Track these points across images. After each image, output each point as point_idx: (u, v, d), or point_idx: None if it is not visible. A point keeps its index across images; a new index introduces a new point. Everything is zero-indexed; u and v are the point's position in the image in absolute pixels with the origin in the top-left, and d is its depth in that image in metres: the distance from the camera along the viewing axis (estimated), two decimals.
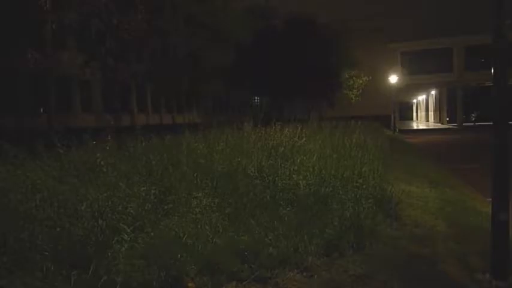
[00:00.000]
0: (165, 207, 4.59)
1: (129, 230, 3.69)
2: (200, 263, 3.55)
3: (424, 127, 47.03)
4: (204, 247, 3.74)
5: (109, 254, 3.48)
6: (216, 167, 5.53)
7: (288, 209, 4.86)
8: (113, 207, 4.00)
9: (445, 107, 46.91)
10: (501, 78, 3.80)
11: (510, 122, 3.89)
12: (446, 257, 4.41)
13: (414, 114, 73.21)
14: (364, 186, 5.58)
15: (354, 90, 34.92)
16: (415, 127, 48.53)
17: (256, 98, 38.87)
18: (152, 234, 3.78)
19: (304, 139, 6.70)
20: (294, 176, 5.53)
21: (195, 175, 5.02)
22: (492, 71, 3.85)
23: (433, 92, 52.21)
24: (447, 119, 46.24)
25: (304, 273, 3.69)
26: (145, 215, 4.15)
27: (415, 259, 4.22)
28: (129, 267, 3.42)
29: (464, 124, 40.27)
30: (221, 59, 21.59)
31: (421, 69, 43.28)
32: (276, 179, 5.43)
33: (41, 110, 20.28)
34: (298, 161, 5.96)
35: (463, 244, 4.77)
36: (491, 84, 3.88)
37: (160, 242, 3.73)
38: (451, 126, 42.05)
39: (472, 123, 40.39)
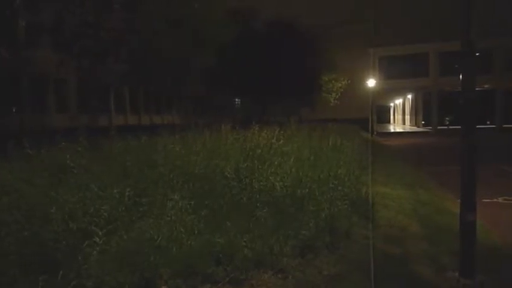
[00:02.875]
0: (140, 209, 4.53)
1: (101, 233, 3.61)
2: (174, 265, 3.51)
3: (401, 130, 48.13)
4: (178, 249, 3.70)
5: (80, 257, 3.40)
6: (193, 169, 5.49)
7: (264, 210, 4.86)
8: (84, 209, 3.90)
9: (421, 110, 48.17)
10: (469, 84, 3.94)
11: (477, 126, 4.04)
12: (418, 256, 4.52)
13: (391, 117, 74.82)
14: (339, 188, 5.66)
15: (333, 94, 35.42)
16: (392, 130, 49.60)
17: (237, 99, 38.86)
18: (125, 237, 3.71)
19: (281, 141, 6.74)
20: (271, 177, 5.54)
21: (171, 177, 4.96)
22: (461, 77, 3.98)
23: (409, 96, 53.51)
24: (423, 122, 47.46)
25: (279, 275, 3.71)
26: (119, 217, 4.07)
27: (389, 259, 4.31)
28: (100, 271, 3.34)
29: (438, 127, 41.40)
30: (201, 60, 21.50)
31: (398, 74, 44.25)
32: (253, 180, 5.44)
33: (13, 110, 19.64)
34: (276, 163, 5.99)
35: (434, 244, 4.91)
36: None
37: (134, 244, 3.66)
38: (426, 130, 43.19)
39: (446, 127, 41.60)
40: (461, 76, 3.96)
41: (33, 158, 5.39)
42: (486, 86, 42.78)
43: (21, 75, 18.99)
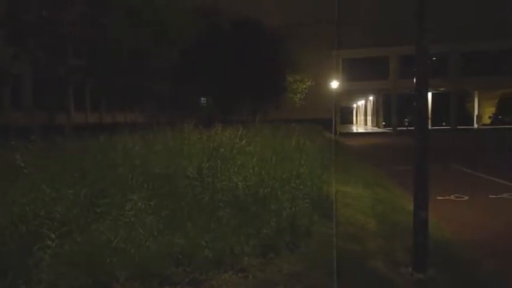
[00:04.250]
0: (97, 210, 4.37)
1: (53, 236, 3.44)
2: (131, 268, 3.42)
3: (363, 130, 49.74)
4: (136, 251, 3.61)
5: (30, 262, 3.23)
6: (153, 169, 5.37)
7: (226, 210, 4.85)
8: (35, 211, 3.71)
9: (382, 112, 50.00)
10: (421, 87, 4.13)
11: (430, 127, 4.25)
12: (375, 253, 4.68)
13: (354, 118, 77.05)
14: (301, 187, 5.74)
15: (298, 94, 36.00)
16: (354, 130, 51.11)
17: (203, 98, 38.47)
18: (79, 239, 3.57)
19: (244, 141, 6.75)
20: (233, 177, 5.54)
21: (130, 177, 4.83)
22: (414, 80, 4.17)
23: (371, 98, 55.39)
24: (383, 123, 49.29)
25: (240, 274, 3.71)
26: (73, 219, 3.91)
27: (347, 256, 4.42)
28: (53, 275, 3.20)
29: (398, 128, 43.17)
30: (166, 57, 21.10)
31: (360, 76, 45.70)
32: (216, 180, 5.40)
33: None
34: (239, 162, 5.99)
35: (390, 241, 5.10)
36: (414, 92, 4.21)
37: (89, 247, 3.53)
38: (386, 130, 44.90)
39: (406, 128, 43.43)
40: (414, 79, 4.14)
41: None
42: (442, 89, 45.09)
43: None
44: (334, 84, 33.64)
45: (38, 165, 4.53)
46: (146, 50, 19.29)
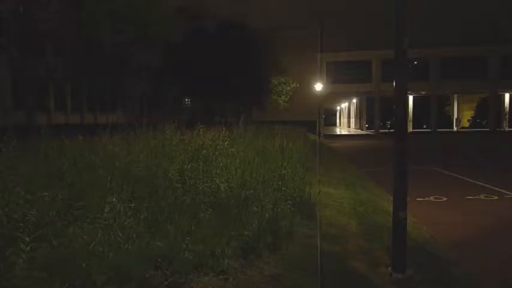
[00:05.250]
0: (75, 213, 4.27)
1: (28, 239, 3.34)
2: (109, 271, 3.34)
3: (346, 133, 50.36)
4: (114, 254, 3.54)
5: (2, 266, 3.13)
6: (133, 171, 5.29)
7: (208, 212, 4.82)
8: (9, 214, 3.60)
9: (365, 114, 50.75)
10: (401, 91, 4.20)
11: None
12: (355, 253, 4.73)
13: (338, 120, 77.96)
14: (283, 189, 5.75)
15: (283, 96, 36.14)
16: (338, 132, 51.70)
17: (186, 99, 38.22)
18: (55, 243, 3.47)
19: (227, 142, 6.73)
20: (215, 179, 5.50)
21: (109, 179, 4.74)
22: (394, 83, 4.23)
23: (354, 100, 56.15)
24: (366, 125, 50.03)
25: (220, 277, 3.68)
26: (50, 222, 3.80)
27: (328, 257, 4.45)
28: (27, 281, 3.10)
29: (381, 131, 43.88)
30: (149, 58, 20.89)
31: (344, 79, 46.33)
32: (197, 182, 5.36)
33: None
34: (221, 164, 5.96)
35: (370, 241, 5.16)
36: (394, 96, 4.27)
37: (65, 250, 3.44)
38: (369, 133, 45.58)
39: (388, 130, 44.18)
40: (394, 83, 4.21)
41: None
42: (423, 92, 46.10)
43: None
44: (318, 86, 33.95)
45: (12, 167, 4.39)
46: (128, 50, 19.04)
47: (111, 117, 28.18)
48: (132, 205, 4.42)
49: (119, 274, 3.36)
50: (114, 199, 4.33)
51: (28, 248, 3.34)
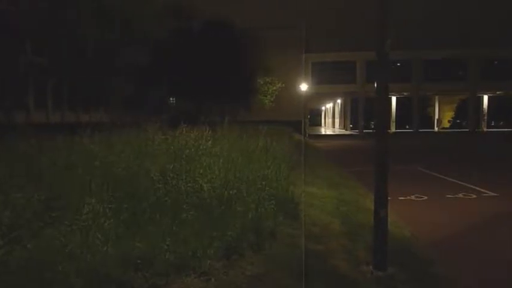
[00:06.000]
0: (53, 214, 4.16)
1: (1, 242, 3.24)
2: (87, 274, 3.27)
3: (331, 133, 50.81)
4: (93, 257, 3.46)
5: None
6: (114, 170, 5.19)
7: (190, 213, 4.76)
8: None
9: (349, 114, 51.30)
10: (382, 91, 4.24)
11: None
12: (337, 252, 4.75)
13: (323, 120, 78.56)
14: (267, 189, 5.74)
15: (268, 96, 36.24)
16: (323, 132, 52.11)
17: (172, 98, 37.86)
18: (29, 246, 3.37)
19: (210, 141, 6.68)
20: (198, 179, 5.45)
21: (89, 179, 4.64)
22: (375, 84, 4.27)
23: (339, 101, 56.69)
24: (351, 125, 50.58)
25: (202, 278, 3.64)
26: (25, 224, 3.70)
27: (310, 256, 4.46)
28: (0, 285, 3.00)
29: (365, 131, 44.40)
30: (134, 56, 20.59)
31: (329, 79, 46.71)
32: (180, 182, 5.30)
33: None
34: (204, 164, 5.91)
35: (352, 240, 5.20)
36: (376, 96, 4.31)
37: (41, 253, 3.35)
38: (353, 133, 46.10)
39: (372, 130, 44.76)
40: (375, 84, 4.24)
41: None
42: (405, 93, 46.85)
43: None
44: (304, 87, 34.12)
45: None
46: (112, 48, 18.72)
47: (95, 116, 27.70)
48: (112, 206, 4.33)
49: (98, 277, 3.29)
50: (93, 200, 4.24)
51: (1, 251, 3.25)
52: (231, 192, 5.36)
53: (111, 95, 26.74)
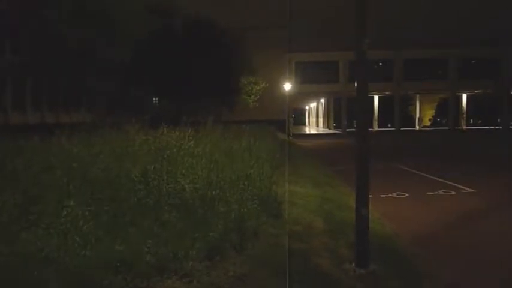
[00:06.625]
0: (30, 218, 4.05)
1: None
2: (65, 278, 3.19)
3: (315, 132, 51.21)
4: (71, 261, 3.38)
5: None
6: (93, 172, 5.09)
7: (172, 214, 4.70)
8: None
9: (332, 114, 51.78)
10: (362, 91, 4.28)
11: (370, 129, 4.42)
12: (320, 250, 4.78)
13: (306, 119, 79.03)
14: (250, 188, 5.72)
15: (252, 96, 36.23)
16: (306, 132, 52.47)
17: (155, 98, 37.44)
18: (6, 250, 3.27)
19: (192, 141, 6.62)
20: (180, 179, 5.39)
21: (65, 181, 4.53)
22: (355, 84, 4.31)
23: (322, 100, 57.13)
24: (334, 125, 51.06)
25: (184, 279, 3.60)
26: (0, 229, 3.58)
27: (293, 255, 4.47)
28: None
29: (347, 130, 44.84)
30: (115, 55, 20.25)
31: (312, 79, 47.03)
32: (161, 183, 5.23)
33: None
34: (186, 164, 5.85)
35: (335, 238, 5.24)
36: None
37: (17, 258, 3.25)
38: (336, 132, 46.58)
39: (355, 129, 45.33)
40: (355, 83, 4.28)
41: None
42: (387, 92, 47.55)
43: None
44: (287, 86, 34.26)
45: None
46: (95, 47, 18.37)
47: (75, 116, 27.15)
48: (92, 208, 4.24)
49: (76, 281, 3.21)
50: (72, 202, 4.14)
51: None
52: (213, 192, 5.32)
53: (92, 95, 26.27)
